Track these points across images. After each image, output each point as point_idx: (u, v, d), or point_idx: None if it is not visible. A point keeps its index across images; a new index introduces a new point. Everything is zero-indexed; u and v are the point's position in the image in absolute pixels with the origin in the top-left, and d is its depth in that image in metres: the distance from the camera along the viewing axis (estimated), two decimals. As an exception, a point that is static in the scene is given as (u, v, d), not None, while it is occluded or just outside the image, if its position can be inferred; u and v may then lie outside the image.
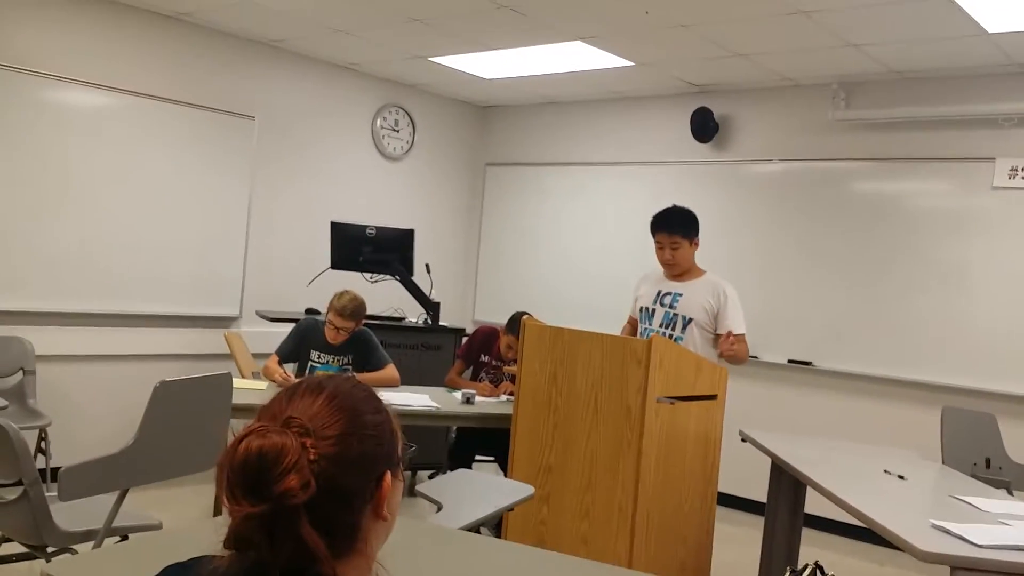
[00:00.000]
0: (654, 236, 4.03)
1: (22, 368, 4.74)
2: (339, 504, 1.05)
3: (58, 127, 4.96)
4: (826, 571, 1.52)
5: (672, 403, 3.38)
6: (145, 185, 5.35)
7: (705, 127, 6.07)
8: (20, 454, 2.52)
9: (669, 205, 4.11)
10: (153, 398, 2.73)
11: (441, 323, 5.65)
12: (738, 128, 6.06)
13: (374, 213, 6.46)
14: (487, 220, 7.46)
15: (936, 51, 4.82)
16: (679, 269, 4.00)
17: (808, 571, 1.51)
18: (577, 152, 6.90)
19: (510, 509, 2.60)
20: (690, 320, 3.89)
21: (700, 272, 4.02)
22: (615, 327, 4.31)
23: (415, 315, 5.73)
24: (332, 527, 1.04)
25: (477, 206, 7.52)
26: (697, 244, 4.02)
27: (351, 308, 4.40)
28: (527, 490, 2.70)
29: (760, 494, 4.25)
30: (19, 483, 2.63)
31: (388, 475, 1.11)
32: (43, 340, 4.88)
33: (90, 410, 5.21)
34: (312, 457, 1.02)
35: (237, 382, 4.19)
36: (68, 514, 2.69)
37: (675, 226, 3.96)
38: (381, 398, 1.18)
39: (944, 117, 5.16)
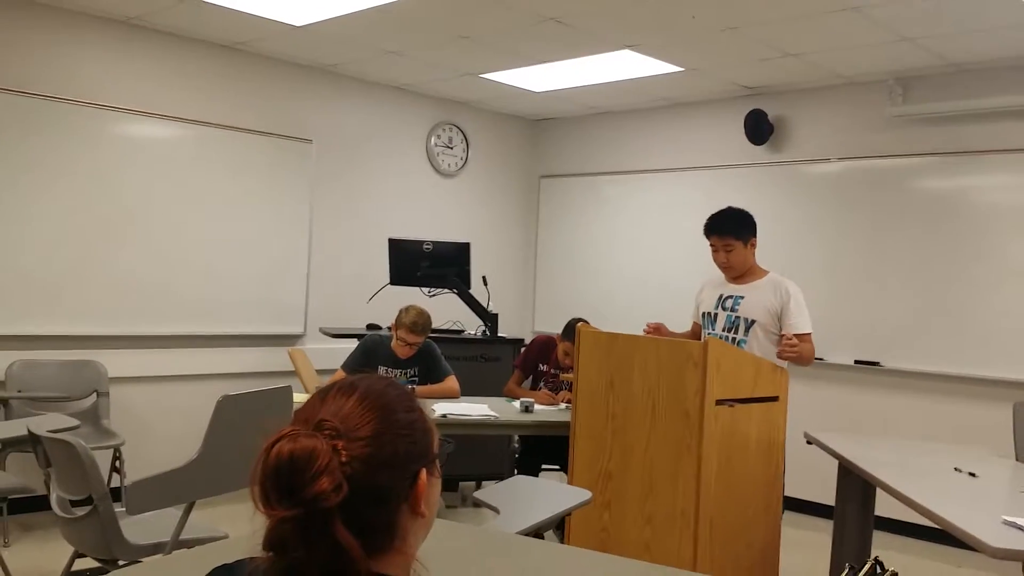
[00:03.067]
0: (708, 239, 3.98)
1: (96, 390, 4.92)
2: (374, 504, 1.06)
3: (124, 157, 5.16)
4: (885, 567, 1.49)
5: (732, 406, 3.34)
6: (209, 210, 5.52)
7: (759, 129, 6.01)
8: (89, 470, 2.62)
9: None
10: (216, 412, 2.81)
11: (500, 334, 5.68)
12: (793, 129, 5.99)
13: (431, 229, 6.54)
14: (543, 231, 7.48)
15: (992, 40, 4.70)
16: (736, 272, 3.93)
17: (867, 567, 1.48)
18: (630, 160, 6.89)
19: (568, 513, 2.60)
20: (753, 322, 3.81)
21: (762, 273, 3.94)
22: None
23: (474, 327, 5.77)
24: (368, 527, 1.05)
25: (533, 218, 7.56)
26: (754, 245, 3.95)
27: (421, 323, 4.48)
28: (585, 494, 2.70)
29: (828, 498, 4.16)
30: (89, 499, 2.72)
31: (423, 472, 1.12)
32: (116, 363, 5.06)
33: (162, 429, 5.37)
34: (344, 459, 1.03)
35: (300, 397, 4.30)
36: (138, 529, 2.78)
37: (727, 228, 3.90)
38: (414, 396, 1.19)
39: (1004, 108, 5.02)
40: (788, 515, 3.70)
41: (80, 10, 4.96)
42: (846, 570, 1.49)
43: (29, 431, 2.91)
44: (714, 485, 3.28)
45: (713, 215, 3.98)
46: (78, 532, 2.83)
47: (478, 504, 5.57)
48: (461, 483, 5.77)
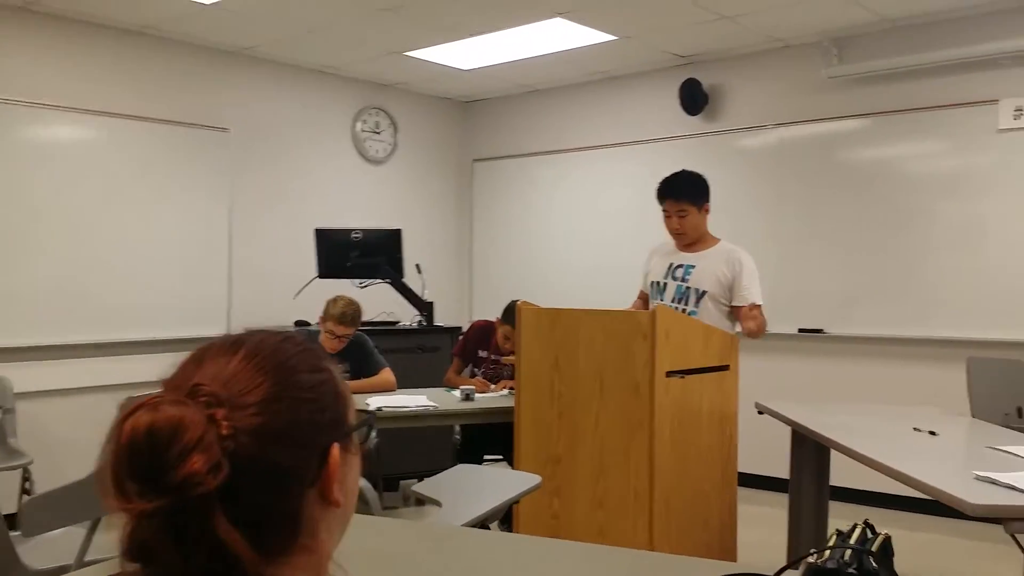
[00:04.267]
0: (661, 204, 3.77)
1: (0, 407, 4.53)
2: (269, 489, 0.81)
3: (24, 155, 4.77)
4: (876, 530, 1.29)
5: (683, 377, 3.16)
6: (120, 207, 5.16)
7: (694, 99, 5.86)
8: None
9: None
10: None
11: (436, 323, 5.44)
12: (729, 97, 5.85)
13: (361, 218, 6.25)
14: (478, 216, 7.25)
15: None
16: (689, 239, 3.73)
17: (858, 532, 1.28)
18: (565, 139, 6.69)
19: (516, 501, 2.38)
20: (704, 292, 3.62)
21: (714, 241, 3.76)
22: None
23: (408, 317, 5.52)
24: (262, 520, 0.80)
25: (467, 203, 7.32)
26: (708, 210, 3.75)
27: (350, 314, 4.21)
28: (534, 479, 2.48)
29: (781, 470, 4.02)
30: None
31: (335, 448, 0.87)
32: (21, 376, 4.66)
33: (75, 445, 4.94)
34: (225, 431, 0.79)
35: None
36: (39, 551, 2.47)
37: (682, 192, 3.70)
38: (322, 353, 0.95)
39: (942, 62, 4.94)
40: (742, 491, 3.54)
41: (-39, -7, 4.57)
42: (834, 535, 1.30)
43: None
44: (668, 462, 3.09)
45: (667, 178, 3.78)
46: (-32, 559, 2.51)
47: (421, 501, 5.34)
48: (402, 481, 5.50)
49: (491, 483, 2.54)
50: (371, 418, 0.94)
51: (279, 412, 0.83)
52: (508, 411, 3.71)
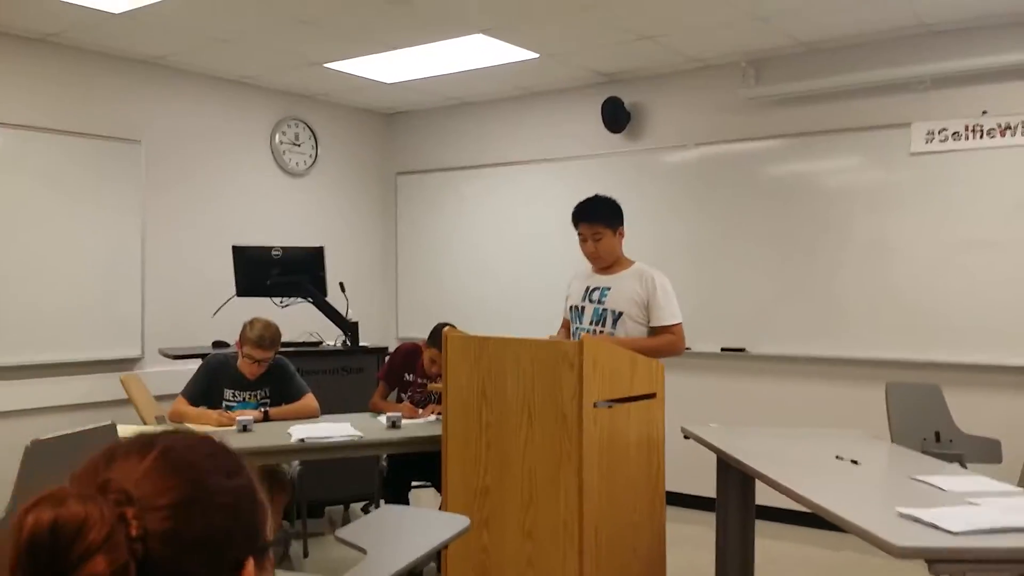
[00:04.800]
0: (576, 228, 3.82)
1: None
2: None
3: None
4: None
5: (610, 406, 3.14)
6: (26, 224, 4.91)
7: (616, 117, 5.89)
8: None
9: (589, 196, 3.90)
10: (25, 460, 2.37)
11: (361, 343, 5.32)
12: (650, 115, 5.90)
13: (281, 234, 6.10)
14: (402, 231, 7.14)
15: (844, 19, 4.72)
16: (604, 262, 3.80)
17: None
18: (489, 153, 6.65)
19: (445, 546, 2.31)
20: (620, 314, 3.70)
21: (628, 263, 3.84)
22: (546, 331, 4.08)
23: (332, 338, 5.39)
24: None
25: (391, 218, 7.21)
26: (622, 234, 3.84)
27: (268, 336, 4.07)
28: (462, 522, 2.42)
29: (708, 489, 4.05)
30: None
31: (250, 562, 0.82)
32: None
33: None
34: (134, 532, 0.74)
35: (136, 430, 3.82)
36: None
37: (596, 215, 3.76)
38: (239, 457, 0.89)
39: (857, 86, 5.06)
40: (669, 510, 3.55)
41: None
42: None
43: None
44: (596, 492, 3.07)
45: (581, 203, 3.83)
46: None
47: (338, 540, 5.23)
48: (327, 507, 5.38)
49: (418, 526, 2.47)
50: (286, 535, 0.89)
51: (192, 518, 0.79)
52: (436, 439, 3.64)
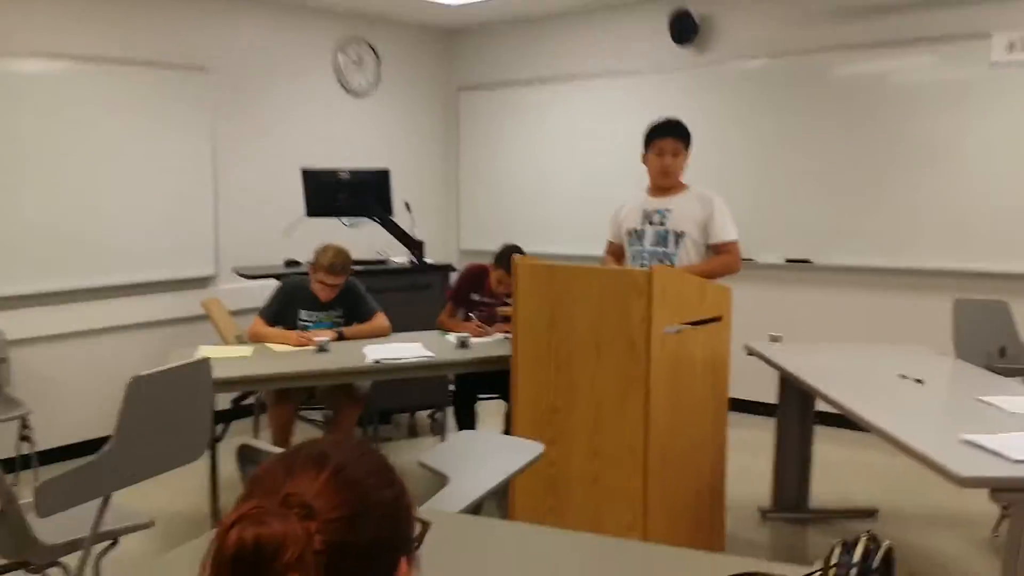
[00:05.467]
0: (654, 142, 3.86)
1: (-5, 356, 4.55)
2: None
3: (3, 101, 4.63)
4: (879, 540, 1.37)
5: (678, 332, 3.21)
6: (102, 152, 5.05)
7: (684, 29, 5.76)
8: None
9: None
10: (127, 396, 2.54)
11: (427, 261, 5.45)
12: (719, 26, 5.74)
13: (346, 154, 6.19)
14: (464, 148, 7.16)
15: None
16: (672, 179, 3.87)
17: (861, 547, 1.36)
18: (552, 68, 6.57)
19: (522, 471, 2.45)
20: (682, 234, 3.79)
21: (683, 186, 3.91)
22: (604, 247, 4.14)
23: (399, 256, 5.51)
24: None
25: (453, 135, 7.22)
26: (689, 156, 3.88)
27: (340, 262, 4.21)
28: (536, 448, 2.55)
29: (768, 395, 4.15)
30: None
31: (403, 562, 0.94)
32: (13, 324, 4.67)
33: (71, 390, 5.03)
34: (318, 547, 0.84)
35: (220, 350, 4.03)
36: (51, 526, 2.53)
37: (680, 132, 3.84)
38: (394, 468, 0.99)
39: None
40: (729, 416, 3.66)
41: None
42: (839, 549, 1.37)
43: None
44: (662, 415, 3.17)
45: (665, 120, 3.90)
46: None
47: (414, 432, 5.44)
48: (394, 415, 5.62)
49: (495, 452, 2.61)
50: (428, 527, 1.00)
51: (361, 529, 0.88)
52: (504, 359, 3.77)
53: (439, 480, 2.38)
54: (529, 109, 6.71)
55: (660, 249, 3.81)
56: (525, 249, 4.35)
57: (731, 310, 3.49)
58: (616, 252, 4.05)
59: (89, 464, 2.46)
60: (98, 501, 2.55)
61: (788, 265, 5.49)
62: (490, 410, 4.70)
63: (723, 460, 3.57)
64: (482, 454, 2.59)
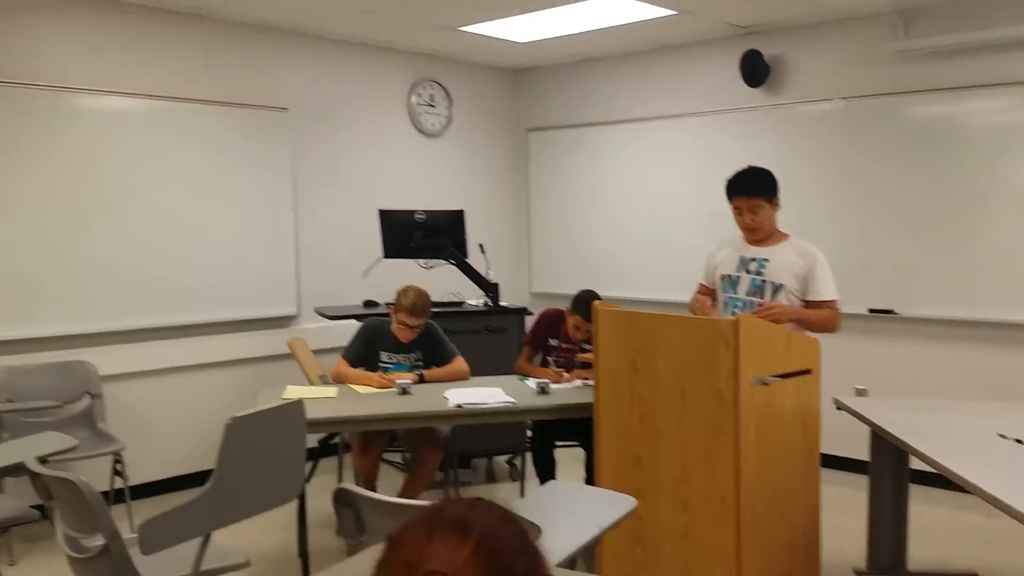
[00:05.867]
0: (731, 201, 3.76)
1: (88, 392, 4.70)
2: None
3: (95, 141, 4.85)
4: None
5: (766, 384, 3.18)
6: (186, 190, 5.24)
7: (755, 70, 5.75)
8: (96, 511, 2.42)
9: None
10: (226, 436, 2.61)
11: (502, 304, 5.48)
12: (791, 69, 5.73)
13: (418, 194, 6.31)
14: (534, 190, 7.23)
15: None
16: (761, 234, 3.73)
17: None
18: (621, 109, 6.62)
19: (614, 527, 2.44)
20: (780, 286, 3.63)
21: (784, 236, 3.77)
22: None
23: (474, 298, 5.57)
24: None
25: (523, 176, 7.29)
26: (778, 205, 3.75)
27: (421, 304, 4.28)
28: (628, 503, 2.54)
29: (858, 451, 4.06)
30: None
31: None
32: (105, 360, 4.83)
33: (161, 426, 5.18)
34: None
35: (307, 390, 4.12)
36: (153, 564, 2.60)
37: (754, 188, 3.69)
38: (531, 534, 0.99)
39: (1014, 39, 4.79)
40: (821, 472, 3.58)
41: (31, -12, 4.60)
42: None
43: (27, 468, 2.70)
44: (752, 466, 3.14)
45: (736, 175, 3.76)
46: (89, 570, 2.65)
47: (493, 477, 5.43)
48: (473, 459, 5.63)
49: (586, 504, 2.60)
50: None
51: None
52: (585, 407, 3.78)
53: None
54: (598, 149, 6.75)
55: (755, 299, 3.68)
56: (597, 294, 4.36)
57: (820, 363, 3.44)
58: (707, 292, 3.95)
59: (191, 503, 2.53)
60: (197, 539, 2.61)
61: (871, 315, 5.39)
62: (568, 457, 4.68)
63: (817, 517, 3.50)
64: (572, 506, 2.59)
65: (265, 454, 2.73)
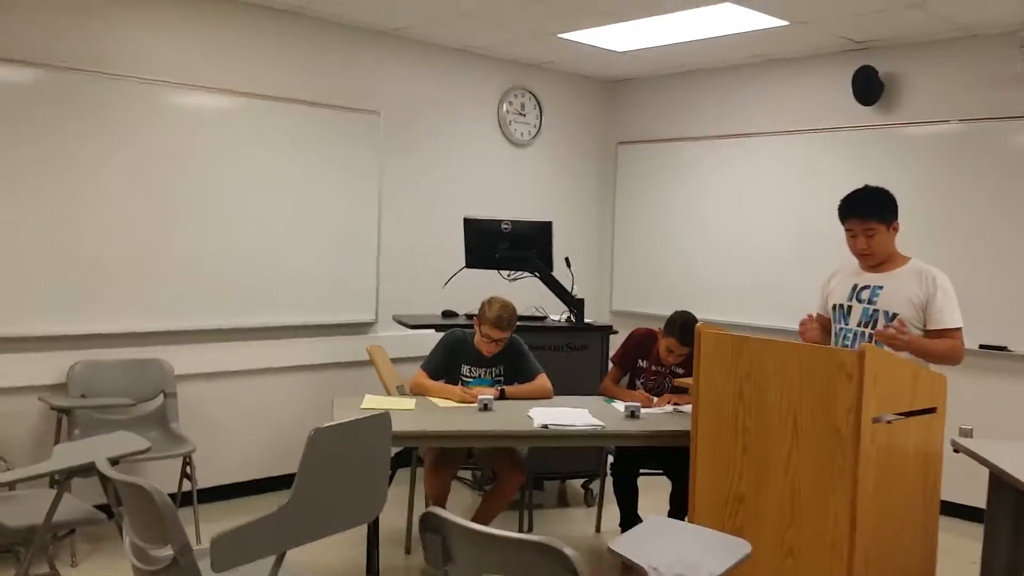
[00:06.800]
0: (844, 223, 3.50)
1: (163, 391, 4.62)
2: None
3: (179, 136, 4.77)
4: None
5: (889, 422, 2.89)
6: (272, 190, 5.14)
7: (869, 88, 5.42)
8: (168, 522, 2.26)
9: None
10: (307, 449, 2.43)
11: (586, 321, 5.25)
12: (907, 87, 5.39)
13: (504, 204, 6.14)
14: (620, 204, 6.99)
15: None
16: (877, 259, 3.46)
17: None
18: (718, 124, 6.34)
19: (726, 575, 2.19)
20: (894, 316, 3.33)
21: (903, 260, 3.48)
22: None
23: (556, 313, 5.35)
24: None
25: (609, 191, 7.06)
26: (897, 228, 3.48)
27: (507, 317, 4.08)
28: (741, 548, 2.28)
29: (970, 497, 3.72)
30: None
31: None
32: (181, 360, 4.75)
33: (233, 428, 5.07)
34: None
35: (385, 401, 3.96)
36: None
37: (869, 210, 3.42)
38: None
39: None
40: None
41: (130, -21, 4.57)
42: None
43: (98, 471, 2.57)
44: (870, 511, 2.85)
45: (850, 195, 3.50)
46: (157, 581, 2.49)
47: (565, 501, 5.20)
48: (546, 482, 5.40)
49: (694, 547, 2.35)
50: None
51: None
52: (680, 435, 3.53)
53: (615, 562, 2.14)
54: (691, 165, 6.48)
55: (867, 331, 3.40)
56: (694, 315, 4.11)
57: (946, 401, 3.13)
58: (823, 324, 3.66)
59: (267, 518, 2.36)
60: (271, 557, 2.44)
61: (982, 351, 5.00)
62: (649, 485, 4.40)
63: (933, 568, 3.18)
64: (676, 547, 2.34)
65: (348, 469, 2.54)
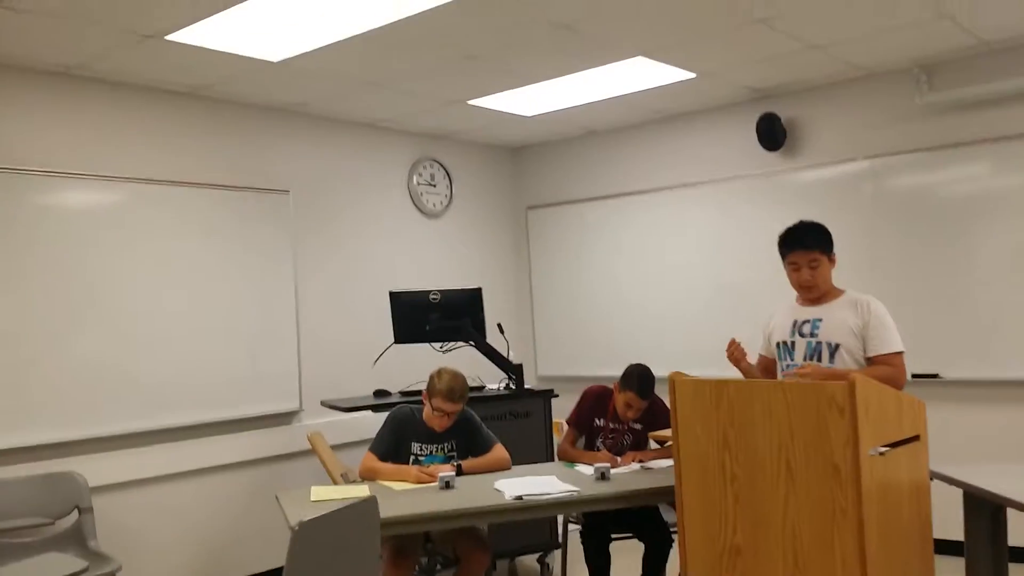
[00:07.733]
0: (786, 257, 3.55)
1: (77, 506, 4.15)
2: None
3: (76, 230, 4.40)
4: None
5: (882, 454, 2.83)
6: (178, 280, 4.80)
7: (772, 134, 5.58)
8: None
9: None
10: (293, 544, 2.17)
11: (527, 386, 5.08)
12: (810, 130, 5.57)
13: (421, 276, 6.00)
14: (536, 268, 6.92)
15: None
16: (819, 291, 3.52)
17: None
18: (626, 181, 6.39)
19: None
20: (837, 346, 3.40)
21: (838, 292, 3.56)
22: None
23: (494, 382, 5.16)
24: None
25: (524, 255, 6.99)
26: (835, 261, 3.56)
27: (458, 388, 3.86)
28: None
29: (946, 532, 3.71)
30: None
31: None
32: (95, 470, 4.30)
33: (160, 540, 4.62)
34: None
35: (334, 490, 3.66)
36: None
37: (814, 240, 3.49)
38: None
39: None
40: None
41: (6, 63, 4.22)
42: None
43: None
44: (876, 551, 2.75)
45: (791, 229, 3.58)
46: None
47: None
48: (497, 560, 5.12)
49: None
50: None
51: None
52: (658, 492, 3.39)
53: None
54: (601, 224, 6.49)
55: (812, 363, 3.43)
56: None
57: (926, 427, 3.11)
58: (768, 367, 3.68)
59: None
60: None
61: (915, 380, 5.05)
62: (618, 549, 4.20)
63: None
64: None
65: (336, 562, 2.28)
